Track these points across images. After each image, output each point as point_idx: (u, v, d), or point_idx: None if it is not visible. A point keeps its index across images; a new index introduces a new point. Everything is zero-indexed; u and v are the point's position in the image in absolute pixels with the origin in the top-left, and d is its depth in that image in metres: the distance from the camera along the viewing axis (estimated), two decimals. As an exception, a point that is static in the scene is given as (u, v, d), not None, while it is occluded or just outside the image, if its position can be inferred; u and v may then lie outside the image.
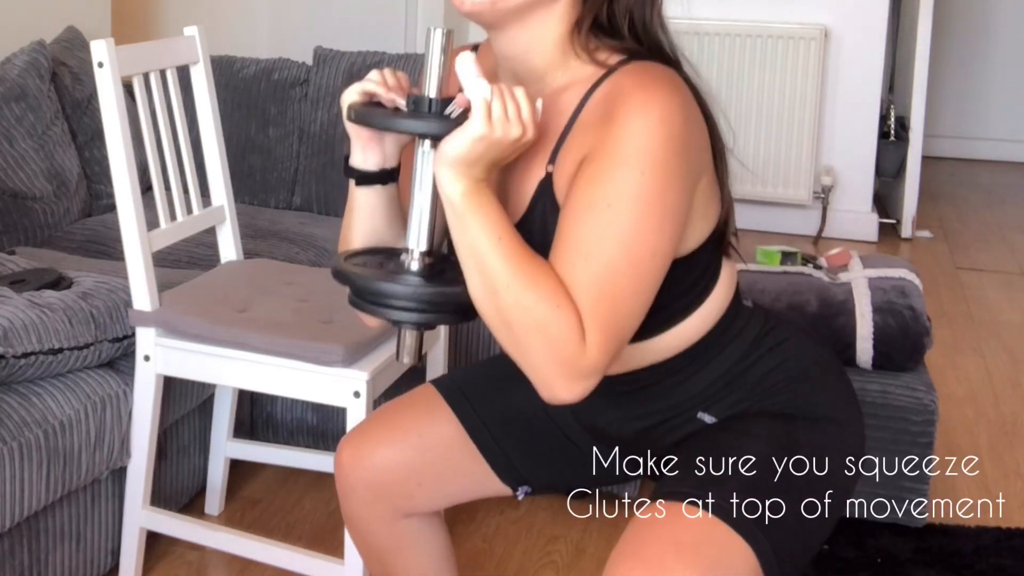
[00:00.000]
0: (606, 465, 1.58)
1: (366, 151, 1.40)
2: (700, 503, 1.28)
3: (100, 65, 2.03)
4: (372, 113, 1.31)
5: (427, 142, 1.29)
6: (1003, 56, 6.36)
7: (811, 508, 1.36)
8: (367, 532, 1.60)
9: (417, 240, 1.32)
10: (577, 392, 1.22)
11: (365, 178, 1.41)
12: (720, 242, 1.41)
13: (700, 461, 1.37)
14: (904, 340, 2.41)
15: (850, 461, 1.43)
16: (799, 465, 1.37)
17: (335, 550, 2.18)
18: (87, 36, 3.27)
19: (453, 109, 1.23)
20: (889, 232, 4.92)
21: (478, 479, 1.57)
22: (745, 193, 4.70)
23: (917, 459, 2.39)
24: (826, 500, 1.38)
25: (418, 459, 1.55)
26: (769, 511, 1.30)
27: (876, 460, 2.40)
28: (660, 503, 1.31)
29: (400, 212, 1.43)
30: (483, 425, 1.55)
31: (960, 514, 2.58)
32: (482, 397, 1.57)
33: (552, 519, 2.51)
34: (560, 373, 1.21)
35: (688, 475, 1.35)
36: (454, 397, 1.57)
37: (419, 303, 1.29)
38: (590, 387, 1.22)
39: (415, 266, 1.31)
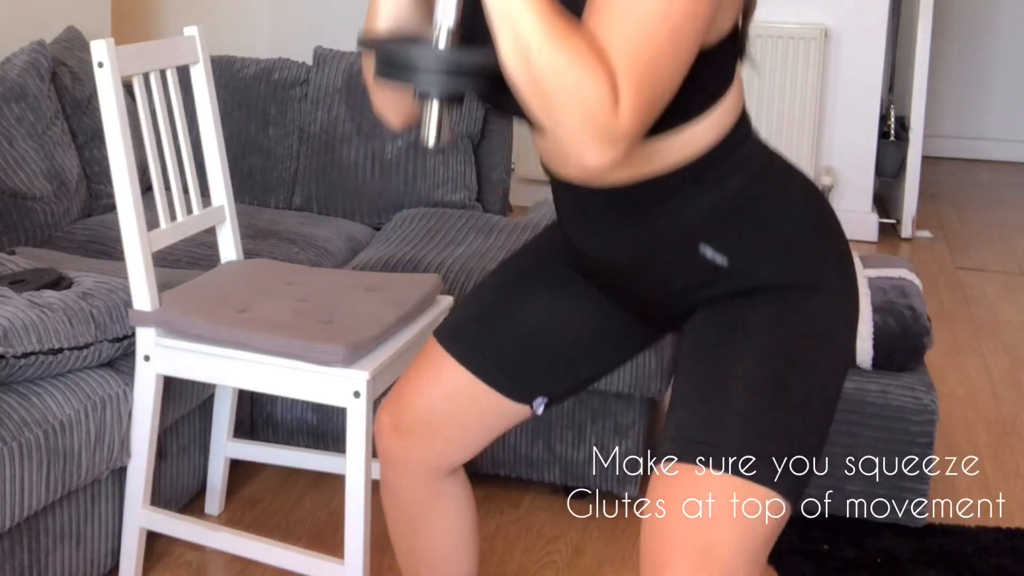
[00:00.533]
0: (616, 332, 1.56)
1: None
2: (715, 463, 1.27)
3: (100, 65, 2.03)
4: None
5: None
6: (1003, 56, 6.36)
7: (818, 394, 1.34)
8: (406, 498, 1.62)
9: (445, 13, 1.27)
10: (607, 158, 1.19)
11: None
12: (738, 45, 1.38)
13: (702, 391, 1.34)
14: (904, 340, 2.41)
15: (848, 328, 1.41)
16: (800, 364, 1.35)
17: (335, 550, 2.18)
18: (87, 36, 3.28)
19: None
20: (889, 232, 4.93)
21: (495, 410, 1.58)
22: (745, 193, 4.70)
23: (917, 459, 2.39)
24: (829, 378, 1.36)
25: (446, 409, 1.57)
26: (779, 440, 1.29)
27: (876, 460, 2.40)
28: (672, 477, 1.30)
29: (426, 3, 1.40)
30: (484, 358, 1.56)
31: (960, 514, 2.58)
32: (478, 331, 1.57)
33: (552, 519, 2.51)
34: (592, 137, 1.18)
35: (691, 417, 1.33)
36: (453, 342, 1.58)
37: (447, 67, 1.25)
38: (620, 154, 1.19)
39: (443, 41, 1.27)
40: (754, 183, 1.40)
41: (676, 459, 1.30)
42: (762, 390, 1.32)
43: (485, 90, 1.29)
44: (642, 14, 1.18)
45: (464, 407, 1.58)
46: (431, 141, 1.29)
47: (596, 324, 1.57)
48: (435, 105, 1.27)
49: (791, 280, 1.39)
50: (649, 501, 1.31)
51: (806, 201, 1.43)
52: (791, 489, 1.28)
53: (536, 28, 1.18)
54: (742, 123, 1.41)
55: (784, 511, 1.28)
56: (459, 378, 1.57)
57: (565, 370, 1.59)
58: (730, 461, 1.27)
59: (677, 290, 1.44)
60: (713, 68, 1.34)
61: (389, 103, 1.46)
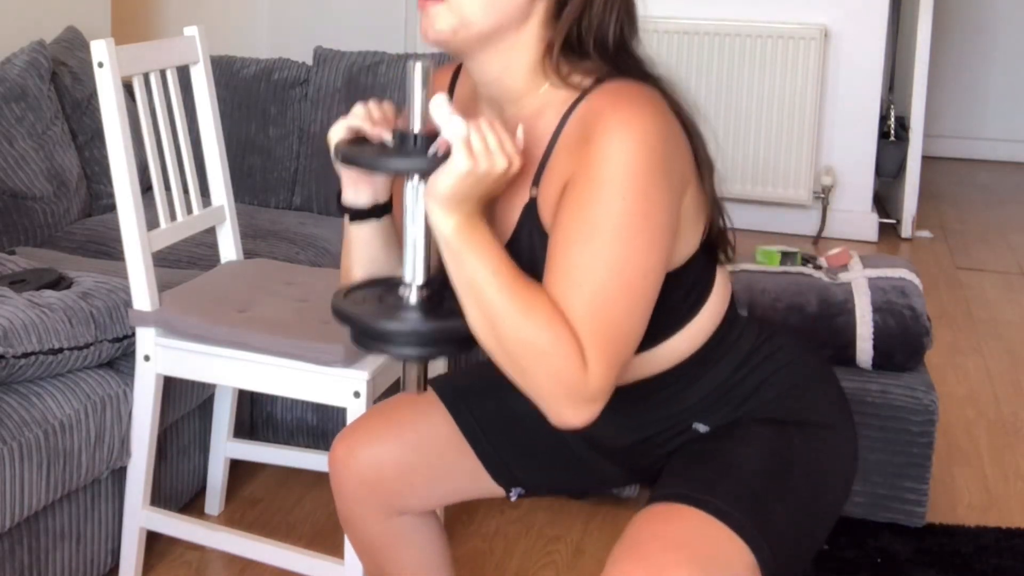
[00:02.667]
0: (601, 471, 1.58)
1: (357, 188, 1.43)
2: (697, 505, 1.29)
3: (100, 65, 2.03)
4: (358, 153, 1.32)
5: (416, 176, 1.29)
6: (1003, 56, 6.36)
7: (807, 510, 1.36)
8: (361, 529, 1.60)
9: (413, 274, 1.32)
10: (585, 416, 1.23)
11: (359, 214, 1.44)
12: (711, 253, 1.41)
13: (696, 466, 1.37)
14: (904, 340, 2.41)
15: (844, 468, 1.44)
16: (795, 470, 1.37)
17: (335, 550, 2.18)
18: (87, 36, 3.27)
19: (435, 149, 1.24)
20: (889, 232, 4.92)
21: (471, 479, 1.57)
22: (745, 193, 4.71)
23: (917, 459, 2.39)
24: (822, 503, 1.39)
25: (412, 457, 1.56)
26: (765, 512, 1.30)
27: (876, 460, 2.40)
28: (657, 506, 1.31)
29: (397, 241, 1.44)
30: (477, 425, 1.55)
31: (960, 514, 2.58)
32: (478, 397, 1.57)
33: (552, 519, 2.51)
34: (566, 400, 1.21)
35: (684, 479, 1.36)
36: (450, 396, 1.57)
37: (419, 339, 1.30)
38: (597, 411, 1.23)
39: (413, 299, 1.32)
40: (744, 363, 1.43)
41: (660, 502, 1.32)
42: (756, 475, 1.35)
43: (458, 352, 1.34)
44: (595, 279, 1.21)
45: (441, 460, 1.56)
46: (412, 392, 1.35)
47: (585, 456, 1.57)
48: (412, 366, 1.35)
49: (784, 418, 1.42)
50: (626, 528, 1.32)
51: (794, 359, 1.46)
52: (765, 553, 1.28)
53: (499, 296, 1.21)
54: (728, 316, 1.44)
55: (751, 569, 1.27)
56: (445, 434, 1.55)
57: (554, 474, 1.59)
58: (713, 504, 1.29)
59: (666, 453, 1.47)
60: (685, 286, 1.37)
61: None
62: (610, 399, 1.31)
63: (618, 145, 1.22)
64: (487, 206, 1.27)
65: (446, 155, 1.22)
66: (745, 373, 1.43)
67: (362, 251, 1.45)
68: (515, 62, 1.32)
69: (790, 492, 1.35)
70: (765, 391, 1.43)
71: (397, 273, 1.40)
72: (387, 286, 1.40)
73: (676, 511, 1.29)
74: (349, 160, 1.33)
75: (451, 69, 1.50)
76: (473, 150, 1.20)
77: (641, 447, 1.48)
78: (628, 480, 1.62)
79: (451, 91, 1.48)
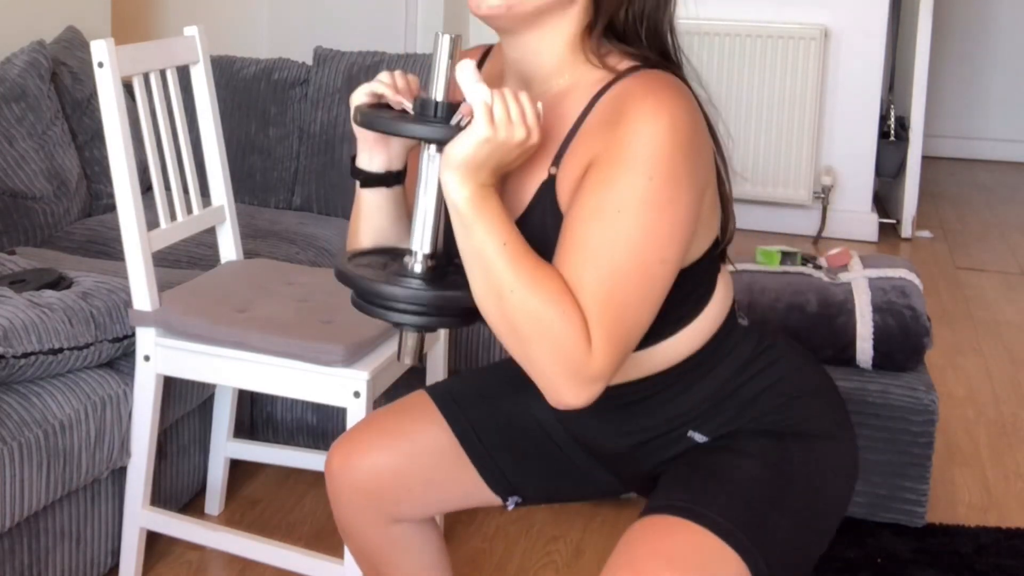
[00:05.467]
0: (597, 479, 1.57)
1: (372, 153, 1.40)
2: (692, 517, 1.28)
3: (100, 65, 2.03)
4: (378, 117, 1.30)
5: (432, 146, 1.29)
6: (1003, 56, 6.36)
7: (805, 523, 1.36)
8: (358, 537, 1.60)
9: (421, 242, 1.31)
10: (583, 398, 1.21)
11: (371, 180, 1.41)
12: (718, 255, 1.41)
13: (693, 477, 1.37)
14: (904, 340, 2.41)
15: (843, 479, 1.43)
16: (794, 483, 1.36)
17: (335, 550, 2.18)
18: (87, 36, 3.27)
19: (459, 118, 1.23)
20: (889, 232, 4.92)
21: (468, 488, 1.57)
22: (745, 193, 4.70)
23: (917, 459, 2.39)
24: (819, 516, 1.38)
25: (408, 465, 1.55)
26: (762, 526, 1.30)
27: (876, 460, 2.40)
28: (653, 517, 1.31)
29: (406, 212, 1.43)
30: (474, 433, 1.55)
31: (960, 514, 2.58)
32: (475, 405, 1.56)
33: (552, 519, 2.51)
34: (566, 379, 1.20)
35: (680, 490, 1.35)
36: (446, 404, 1.56)
37: (421, 306, 1.29)
38: (596, 392, 1.22)
39: (418, 268, 1.31)
40: (741, 372, 1.42)
41: (655, 514, 1.31)
42: (753, 487, 1.34)
43: (459, 324, 1.32)
44: (612, 256, 1.20)
45: (437, 469, 1.55)
46: (408, 361, 1.34)
47: (582, 461, 1.57)
48: (409, 334, 1.32)
49: (782, 429, 1.41)
50: (621, 539, 1.31)
51: (793, 370, 1.45)
52: (761, 567, 1.27)
53: (509, 267, 1.20)
54: (728, 321, 1.43)
55: None
56: (442, 441, 1.54)
57: (550, 483, 1.58)
58: (708, 518, 1.28)
59: (662, 461, 1.47)
60: (691, 283, 1.36)
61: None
62: (605, 402, 1.31)
63: (650, 129, 1.21)
64: (501, 180, 1.27)
65: (467, 125, 1.21)
66: (742, 381, 1.42)
67: (370, 219, 1.43)
68: (555, 39, 1.31)
69: (788, 505, 1.34)
70: (763, 401, 1.42)
71: (404, 243, 1.39)
72: (393, 254, 1.39)
73: (672, 524, 1.29)
74: (368, 123, 1.31)
75: (480, 51, 1.50)
76: (494, 117, 1.19)
77: (636, 454, 1.47)
78: (625, 489, 1.61)
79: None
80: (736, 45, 4.65)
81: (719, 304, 1.42)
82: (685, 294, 1.35)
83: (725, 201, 1.39)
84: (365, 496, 1.55)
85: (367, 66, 3.29)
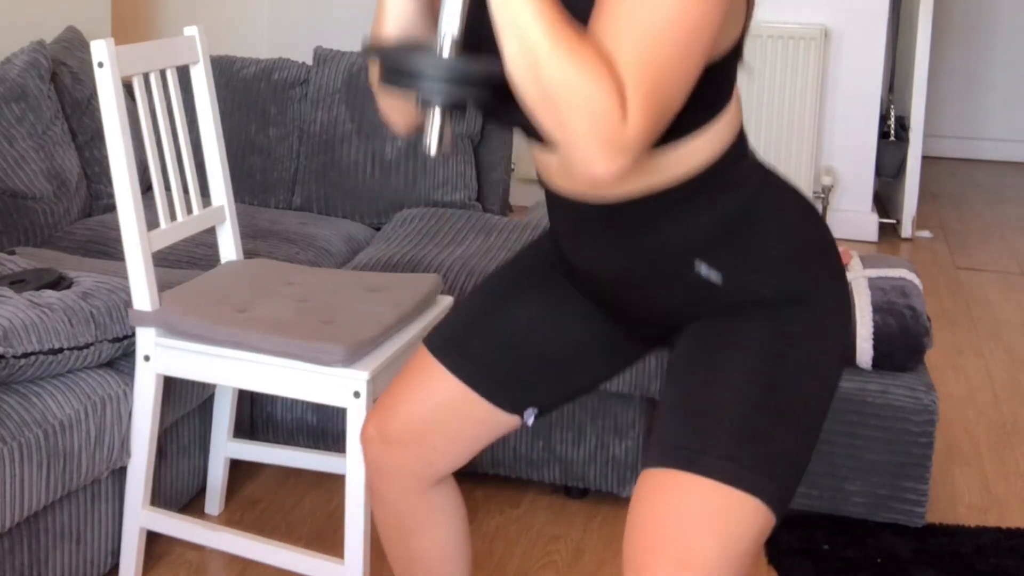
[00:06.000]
0: (603, 346, 1.55)
1: None
2: (699, 468, 1.27)
3: (100, 65, 2.03)
4: None
5: None
6: (1003, 56, 6.36)
7: (803, 423, 1.33)
8: (395, 507, 1.62)
9: (450, 23, 1.27)
10: (615, 167, 1.18)
11: None
12: (738, 60, 1.37)
13: (690, 390, 1.34)
14: (904, 340, 2.41)
15: (840, 343, 1.40)
16: (790, 376, 1.34)
17: (335, 550, 2.18)
18: (87, 36, 3.28)
19: None
20: (889, 232, 4.93)
21: (485, 419, 1.57)
22: (745, 193, 4.70)
23: (917, 459, 2.39)
24: (819, 401, 1.36)
25: (431, 421, 1.56)
26: (766, 452, 1.28)
27: (876, 460, 2.40)
28: (658, 474, 1.29)
29: (431, 10, 1.39)
30: (473, 366, 1.54)
31: (960, 514, 2.58)
32: (467, 338, 1.56)
33: (552, 519, 2.51)
34: (600, 147, 1.17)
35: (679, 422, 1.32)
36: (443, 351, 1.57)
37: (451, 75, 1.24)
38: (628, 163, 1.18)
39: (447, 50, 1.26)
40: (751, 202, 1.39)
41: (659, 466, 1.30)
42: (750, 400, 1.32)
43: (488, 99, 1.28)
44: (652, 23, 1.17)
45: (454, 416, 1.56)
46: (433, 148, 1.28)
47: (587, 334, 1.56)
48: (437, 113, 1.27)
49: (784, 295, 1.38)
50: (632, 505, 1.31)
51: (800, 219, 1.42)
52: (775, 497, 1.27)
53: (543, 36, 1.17)
54: (740, 141, 1.41)
55: (768, 518, 1.27)
56: (449, 387, 1.55)
57: (556, 380, 1.57)
58: (714, 465, 1.27)
59: (670, 305, 1.44)
60: (716, 82, 1.33)
61: (394, 109, 1.46)
62: (612, 217, 1.29)
63: None
64: None
65: None
66: (751, 211, 1.38)
67: (395, 14, 1.40)
68: None
69: (787, 412, 1.32)
70: (769, 245, 1.38)
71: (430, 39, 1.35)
72: (420, 44, 1.35)
73: (680, 484, 1.27)
74: None
75: None
76: None
77: (643, 289, 1.44)
78: (634, 352, 1.58)
79: None
80: (736, 45, 4.64)
81: (734, 115, 1.38)
82: (707, 91, 1.31)
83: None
84: (401, 458, 1.57)
85: (367, 66, 3.29)
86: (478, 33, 1.28)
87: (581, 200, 1.38)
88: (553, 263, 1.56)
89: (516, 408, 1.57)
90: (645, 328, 1.52)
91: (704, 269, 1.39)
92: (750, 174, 1.40)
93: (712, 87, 1.32)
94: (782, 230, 1.40)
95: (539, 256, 1.60)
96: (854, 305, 2.44)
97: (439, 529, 1.65)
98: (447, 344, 1.57)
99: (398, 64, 1.26)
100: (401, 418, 1.57)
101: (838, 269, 1.44)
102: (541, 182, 1.46)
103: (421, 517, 1.63)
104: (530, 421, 1.58)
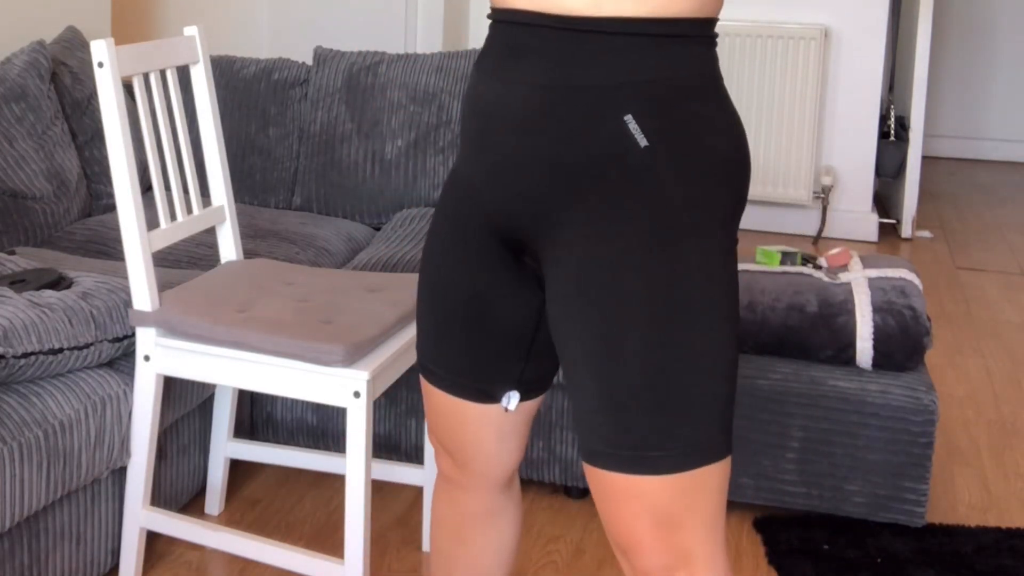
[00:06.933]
0: (515, 277, 1.44)
1: None
2: (646, 469, 1.24)
3: (100, 65, 2.03)
4: None
5: None
6: (1003, 56, 6.36)
7: (718, 352, 1.26)
8: (458, 513, 1.61)
9: None
10: None
11: None
12: None
13: (593, 373, 1.26)
14: (904, 340, 2.41)
15: (732, 271, 1.30)
16: (687, 304, 1.24)
17: (335, 550, 2.18)
18: (87, 36, 3.28)
19: None
20: (889, 232, 4.93)
21: (477, 419, 1.53)
22: (745, 193, 4.70)
23: (917, 459, 2.39)
24: (724, 330, 1.27)
25: (457, 442, 1.55)
26: (693, 416, 1.24)
27: (876, 460, 2.40)
28: (608, 475, 1.27)
29: None
30: (441, 370, 1.50)
31: (960, 514, 2.58)
32: (426, 344, 1.52)
33: (552, 519, 2.51)
34: None
35: (601, 416, 1.26)
36: (422, 367, 1.55)
37: None
38: None
39: None
40: (703, 89, 1.29)
41: (606, 468, 1.27)
42: (657, 369, 1.23)
43: None
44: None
45: (462, 427, 1.54)
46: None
47: (516, 288, 1.44)
48: None
49: (687, 216, 1.26)
50: (600, 505, 1.29)
51: (734, 136, 1.31)
52: (723, 441, 1.25)
53: None
54: (714, 29, 1.31)
55: (721, 468, 1.26)
56: (445, 404, 1.54)
57: (515, 353, 1.48)
58: (657, 462, 1.24)
59: (571, 162, 1.27)
60: None
61: None
62: (559, 39, 1.22)
63: None
64: None
65: None
66: (699, 99, 1.28)
67: None
68: None
69: (700, 347, 1.24)
70: (701, 144, 1.27)
71: None
72: None
73: (637, 488, 1.25)
74: None
75: None
76: None
77: (547, 133, 1.28)
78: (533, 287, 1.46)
79: None
80: (736, 45, 4.65)
81: None
82: None
83: None
84: (463, 472, 1.59)
85: (367, 66, 3.29)
86: None
87: (546, 11, 1.26)
88: (457, 216, 1.44)
89: (492, 396, 1.50)
90: (534, 205, 1.33)
91: (633, 125, 1.26)
92: (710, 64, 1.30)
93: None
94: (717, 136, 1.29)
95: (444, 220, 1.48)
96: (855, 309, 2.44)
97: (497, 537, 1.63)
98: (423, 359, 1.55)
99: None
100: (440, 454, 1.58)
101: (743, 197, 1.33)
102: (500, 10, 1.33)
103: (483, 523, 1.62)
104: (510, 405, 1.50)
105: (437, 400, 1.54)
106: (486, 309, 1.47)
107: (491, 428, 1.54)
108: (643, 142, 1.25)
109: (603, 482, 1.28)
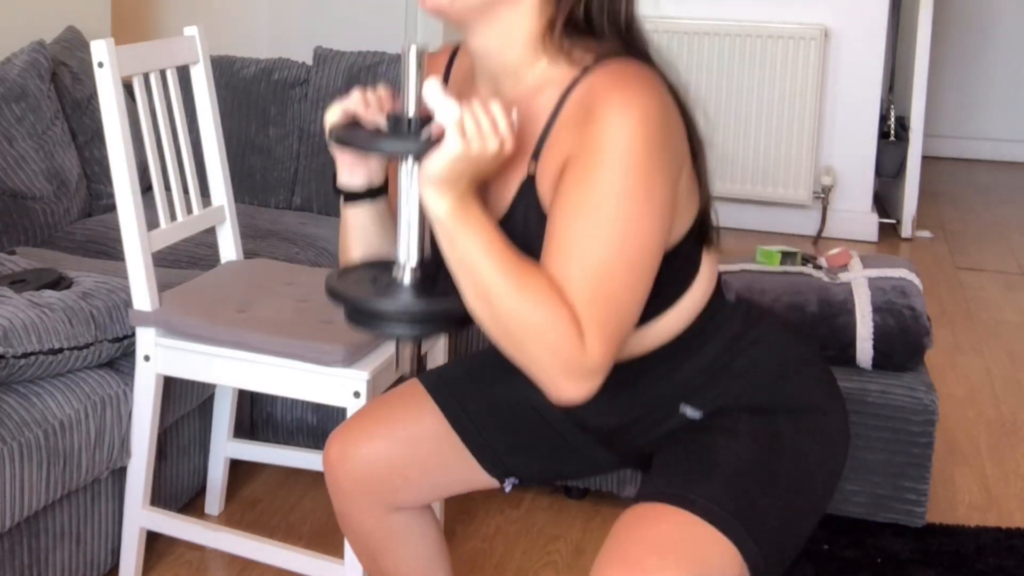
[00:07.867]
0: (592, 455, 1.58)
1: (352, 170, 1.44)
2: (681, 503, 1.29)
3: (100, 65, 2.03)
4: (352, 135, 1.32)
5: (410, 158, 1.29)
6: (1003, 56, 6.36)
7: (795, 504, 1.36)
8: (357, 527, 1.61)
9: (407, 254, 1.33)
10: (584, 391, 1.23)
11: (354, 196, 1.45)
12: (701, 236, 1.41)
13: (683, 460, 1.38)
14: (904, 340, 2.41)
15: (833, 453, 1.43)
16: (783, 460, 1.37)
17: (335, 550, 2.18)
18: (87, 36, 3.27)
19: (429, 134, 1.24)
20: (889, 232, 4.92)
21: (464, 472, 1.58)
22: (745, 193, 4.71)
23: (917, 459, 2.39)
24: (810, 495, 1.39)
25: (404, 453, 1.56)
26: (752, 510, 1.31)
27: (876, 460, 2.40)
28: (642, 506, 1.32)
29: (393, 223, 1.44)
30: (467, 417, 1.55)
31: (960, 514, 2.58)
32: (466, 389, 1.57)
33: (552, 519, 2.51)
34: (564, 375, 1.22)
35: (671, 475, 1.36)
36: (438, 390, 1.57)
37: (412, 317, 1.30)
38: (596, 385, 1.23)
39: (407, 280, 1.32)
40: (730, 347, 1.43)
41: (647, 500, 1.32)
42: (743, 467, 1.35)
43: (453, 330, 1.34)
44: (597, 252, 1.22)
45: (433, 455, 1.56)
46: (406, 371, 1.35)
47: (586, 437, 1.57)
48: (406, 345, 1.32)
49: (773, 405, 1.42)
50: (612, 530, 1.32)
51: (780, 345, 1.46)
52: (750, 551, 1.28)
53: (495, 273, 1.21)
54: (716, 297, 1.44)
55: (738, 568, 1.28)
56: (436, 425, 1.55)
57: (545, 461, 1.58)
58: (697, 503, 1.29)
59: (655, 438, 1.47)
60: (674, 265, 1.37)
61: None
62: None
63: (620, 123, 1.22)
64: (482, 184, 1.28)
65: (440, 138, 1.22)
66: (732, 356, 1.43)
67: (358, 233, 1.46)
68: (514, 35, 1.32)
69: (779, 486, 1.35)
70: (753, 376, 1.43)
71: (394, 255, 1.40)
72: (382, 267, 1.40)
73: (661, 512, 1.30)
74: (343, 141, 1.33)
75: (449, 50, 1.51)
76: (466, 133, 1.20)
77: (630, 430, 1.48)
78: (620, 465, 1.62)
79: (448, 71, 1.48)
80: (736, 45, 4.65)
81: (705, 282, 1.43)
82: (670, 276, 1.36)
83: (701, 178, 1.38)
84: (362, 484, 1.56)
85: (367, 66, 3.29)
86: (438, 253, 1.31)
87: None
88: None
89: (496, 471, 1.57)
90: (625, 448, 1.54)
91: (689, 411, 1.44)
92: (730, 321, 1.45)
93: (675, 269, 1.36)
94: (764, 358, 1.44)
95: None
96: (855, 309, 2.44)
97: (408, 549, 1.63)
98: (444, 386, 1.57)
99: (360, 308, 1.32)
100: (380, 441, 1.56)
101: (826, 381, 1.47)
102: None
103: (387, 538, 1.61)
104: (508, 488, 1.58)
105: (430, 422, 1.56)
106: (545, 424, 1.56)
107: (460, 477, 1.59)
108: (697, 416, 1.43)
109: (640, 510, 1.32)
